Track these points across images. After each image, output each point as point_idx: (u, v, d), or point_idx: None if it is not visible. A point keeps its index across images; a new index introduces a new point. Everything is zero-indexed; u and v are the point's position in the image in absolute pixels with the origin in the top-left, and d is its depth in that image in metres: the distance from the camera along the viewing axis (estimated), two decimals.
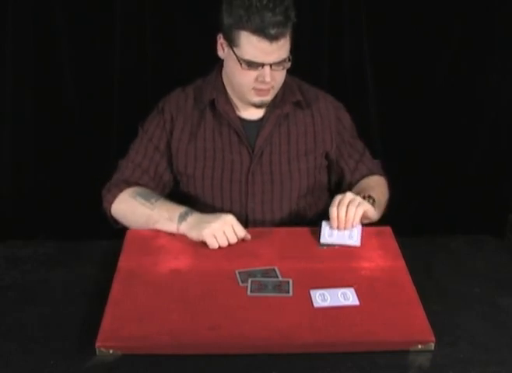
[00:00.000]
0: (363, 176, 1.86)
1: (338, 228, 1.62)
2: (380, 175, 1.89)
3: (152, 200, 1.68)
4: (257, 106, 1.75)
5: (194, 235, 1.59)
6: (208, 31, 2.17)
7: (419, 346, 1.29)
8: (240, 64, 1.63)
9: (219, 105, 1.77)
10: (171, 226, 1.63)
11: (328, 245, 1.60)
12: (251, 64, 1.63)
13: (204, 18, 2.18)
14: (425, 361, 1.27)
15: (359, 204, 1.61)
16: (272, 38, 1.57)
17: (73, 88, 2.26)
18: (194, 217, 1.61)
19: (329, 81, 2.27)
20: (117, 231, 1.71)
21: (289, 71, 1.81)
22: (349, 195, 1.62)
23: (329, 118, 1.85)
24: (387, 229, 1.69)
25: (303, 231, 1.71)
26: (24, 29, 2.16)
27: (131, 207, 1.71)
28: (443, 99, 2.35)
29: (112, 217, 1.78)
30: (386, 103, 2.34)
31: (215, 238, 1.56)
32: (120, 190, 1.76)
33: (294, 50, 1.71)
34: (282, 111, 1.78)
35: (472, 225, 2.32)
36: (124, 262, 1.54)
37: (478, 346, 1.32)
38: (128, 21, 2.19)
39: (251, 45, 1.60)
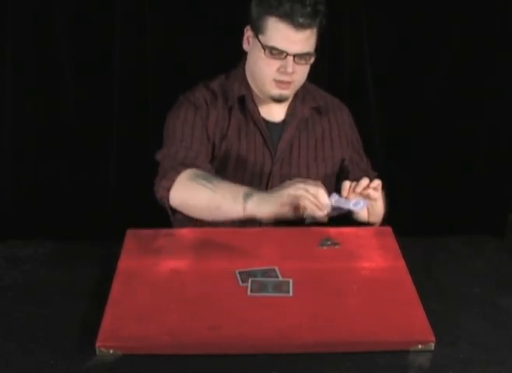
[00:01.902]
0: None
1: (346, 197, 1.60)
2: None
3: (214, 182, 1.58)
4: (276, 99, 1.73)
5: (266, 209, 1.49)
6: (209, 31, 2.18)
7: (419, 346, 1.29)
8: (264, 50, 1.63)
9: (248, 102, 1.76)
10: (236, 207, 1.52)
11: (333, 209, 1.57)
12: (275, 52, 1.63)
13: (204, 18, 2.19)
14: (425, 361, 1.27)
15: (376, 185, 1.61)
16: (299, 26, 1.59)
17: (73, 88, 2.26)
18: (261, 195, 1.53)
19: (329, 81, 2.27)
20: (117, 231, 1.71)
21: None
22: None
23: (344, 125, 1.87)
24: (387, 229, 1.69)
25: (303, 231, 1.71)
26: (24, 29, 2.16)
27: (191, 190, 1.60)
28: (443, 99, 2.35)
29: (170, 205, 1.67)
30: (386, 103, 2.34)
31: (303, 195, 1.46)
32: (178, 173, 1.64)
33: None
34: (303, 115, 1.79)
35: (472, 225, 2.32)
36: (124, 262, 1.54)
37: (478, 346, 1.32)
38: (128, 21, 2.19)
39: (277, 31, 1.61)
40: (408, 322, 1.34)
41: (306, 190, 1.46)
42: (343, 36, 2.27)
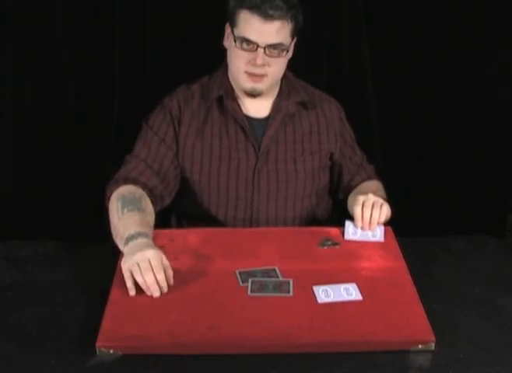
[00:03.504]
0: (363, 180, 1.88)
1: (362, 228, 1.66)
2: (377, 179, 1.91)
3: (125, 210, 1.60)
4: (249, 93, 1.75)
5: (125, 264, 1.44)
6: (209, 31, 2.18)
7: (419, 346, 1.29)
8: (235, 42, 1.66)
9: (226, 101, 1.77)
10: (121, 246, 1.52)
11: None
12: (245, 43, 1.65)
13: (205, 18, 2.19)
14: (425, 361, 1.27)
15: (382, 207, 1.65)
16: (267, 16, 1.62)
17: (73, 88, 2.26)
18: (135, 243, 1.48)
19: (329, 81, 2.27)
20: None
21: (290, 71, 1.82)
22: (372, 197, 1.66)
23: (333, 119, 1.87)
24: (387, 229, 1.69)
25: (303, 231, 1.71)
26: (24, 29, 2.16)
27: (111, 210, 1.65)
28: (443, 100, 2.35)
29: None
30: (386, 103, 2.34)
31: (131, 274, 1.41)
32: (117, 187, 1.70)
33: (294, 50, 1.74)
34: (287, 110, 1.80)
35: (472, 225, 2.31)
36: None
37: (478, 346, 1.32)
38: (128, 21, 2.18)
39: (247, 22, 1.64)
40: (408, 322, 1.34)
41: (143, 262, 1.40)
42: (343, 37, 2.27)
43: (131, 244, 1.48)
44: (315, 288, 1.43)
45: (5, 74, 2.19)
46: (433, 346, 1.30)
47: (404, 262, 1.55)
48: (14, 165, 2.31)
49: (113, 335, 1.30)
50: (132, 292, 1.41)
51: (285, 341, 1.29)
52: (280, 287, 1.44)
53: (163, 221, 1.82)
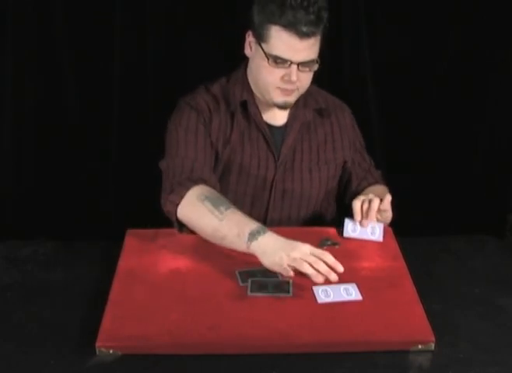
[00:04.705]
0: (369, 185, 1.87)
1: (360, 222, 1.64)
2: (384, 185, 1.90)
3: (222, 209, 1.53)
4: (280, 106, 1.71)
5: (266, 263, 1.43)
6: (209, 31, 2.18)
7: (419, 346, 1.29)
8: (268, 59, 1.61)
9: (250, 107, 1.74)
10: (240, 244, 1.47)
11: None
12: (279, 61, 1.61)
13: (206, 18, 2.19)
14: (425, 361, 1.27)
15: (381, 199, 1.63)
16: (303, 35, 1.57)
17: (73, 88, 2.26)
18: (267, 239, 1.45)
19: (329, 81, 2.27)
20: (117, 231, 1.71)
21: None
22: (372, 196, 1.65)
23: (346, 127, 1.86)
24: (387, 229, 1.69)
25: (303, 231, 1.71)
26: (24, 29, 2.16)
27: (198, 213, 1.56)
28: (443, 100, 2.35)
29: (178, 220, 1.63)
30: (386, 103, 2.34)
31: (292, 268, 1.40)
32: (187, 189, 1.60)
33: None
34: (305, 118, 1.78)
35: (472, 225, 2.32)
36: (124, 262, 1.54)
37: (478, 346, 1.32)
38: (128, 21, 2.18)
39: (281, 40, 1.58)
40: (408, 322, 1.34)
41: (307, 256, 1.40)
42: (343, 37, 2.27)
43: (266, 240, 1.44)
44: (315, 288, 1.43)
45: (5, 74, 2.20)
46: (432, 346, 1.30)
47: (403, 262, 1.55)
48: (14, 165, 2.32)
49: (113, 335, 1.30)
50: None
51: (285, 341, 1.29)
52: (280, 287, 1.44)
53: (163, 221, 1.82)
